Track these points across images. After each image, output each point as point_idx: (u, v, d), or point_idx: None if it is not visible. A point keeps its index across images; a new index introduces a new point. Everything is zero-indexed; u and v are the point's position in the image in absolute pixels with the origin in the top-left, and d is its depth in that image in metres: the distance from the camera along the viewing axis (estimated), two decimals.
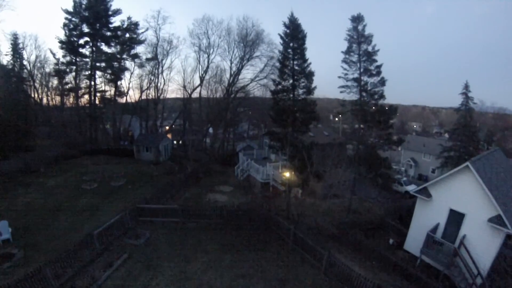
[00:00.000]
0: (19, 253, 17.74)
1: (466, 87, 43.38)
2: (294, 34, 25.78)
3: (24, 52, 53.39)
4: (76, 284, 14.84)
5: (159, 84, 60.36)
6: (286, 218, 24.15)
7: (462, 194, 19.70)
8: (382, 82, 26.73)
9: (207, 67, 57.72)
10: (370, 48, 26.94)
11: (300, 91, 26.52)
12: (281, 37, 26.41)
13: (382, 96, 26.99)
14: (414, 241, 21.87)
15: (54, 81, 63.05)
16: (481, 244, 18.50)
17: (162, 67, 59.40)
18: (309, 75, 26.05)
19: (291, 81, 26.04)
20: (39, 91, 62.39)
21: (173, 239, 20.33)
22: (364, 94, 27.34)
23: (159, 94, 61.01)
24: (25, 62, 54.07)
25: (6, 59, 51.11)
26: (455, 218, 20.07)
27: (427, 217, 21.59)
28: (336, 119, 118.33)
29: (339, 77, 27.91)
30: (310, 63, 26.20)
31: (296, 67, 26.05)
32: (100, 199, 27.32)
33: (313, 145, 27.03)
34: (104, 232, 18.82)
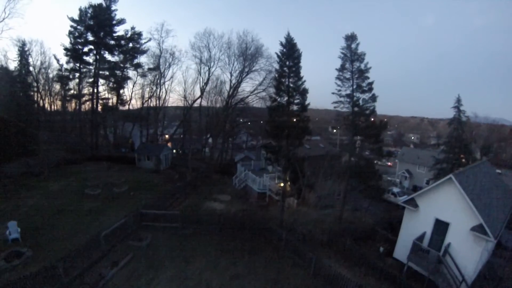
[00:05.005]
0: (28, 252, 18.69)
1: (458, 101, 44.54)
2: (290, 53, 26.84)
3: (30, 57, 54.65)
4: (85, 280, 15.97)
5: (160, 94, 61.86)
6: (280, 226, 25.23)
7: (446, 205, 20.85)
8: (373, 98, 27.87)
9: (208, 79, 59.27)
10: (362, 66, 27.91)
11: (295, 107, 27.48)
12: (278, 56, 27.46)
13: (373, 111, 28.14)
14: (402, 249, 22.79)
15: (57, 87, 64.24)
16: (464, 251, 19.50)
17: (164, 78, 60.96)
18: (303, 93, 27.07)
19: (286, 98, 26.95)
20: (43, 95, 63.63)
21: (173, 243, 21.54)
22: (356, 109, 28.48)
23: (160, 104, 62.32)
24: (31, 68, 55.30)
25: (14, 65, 52.48)
26: (440, 227, 21.18)
27: (414, 226, 22.67)
28: (334, 130, 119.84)
29: (333, 93, 29.00)
30: (304, 81, 27.21)
31: (291, 85, 27.01)
32: (103, 204, 28.39)
33: (305, 158, 28.10)
34: (110, 234, 20.01)
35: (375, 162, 29.91)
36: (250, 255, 20.55)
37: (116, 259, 18.48)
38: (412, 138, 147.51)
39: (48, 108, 67.46)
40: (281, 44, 27.21)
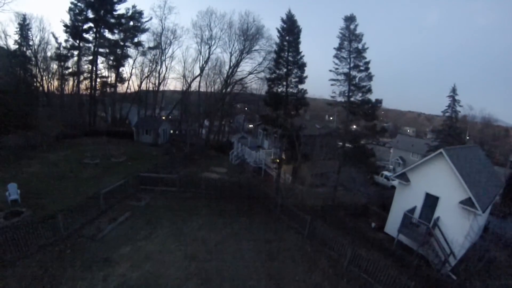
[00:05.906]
0: (27, 211, 19.11)
1: (454, 90, 45.55)
2: (290, 29, 27.73)
3: (29, 32, 53.98)
4: (83, 232, 16.52)
5: (160, 72, 61.40)
6: (275, 193, 26.04)
7: (436, 179, 21.52)
8: (370, 77, 28.46)
9: (208, 58, 58.82)
10: (360, 46, 28.44)
11: (293, 79, 28.47)
12: (278, 31, 28.37)
13: (369, 90, 28.68)
14: (393, 224, 23.43)
15: (54, 66, 63.66)
16: (453, 225, 20.16)
17: (165, 56, 60.69)
18: (302, 66, 28.12)
19: (285, 70, 27.98)
20: (41, 72, 63.18)
21: (171, 204, 22.16)
22: (352, 87, 29.03)
23: (160, 81, 62.10)
24: (30, 42, 54.71)
25: (12, 40, 51.82)
26: (430, 201, 21.88)
27: (405, 201, 23.31)
28: (331, 118, 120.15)
29: (330, 70, 29.55)
30: (303, 56, 28.24)
31: (290, 58, 28.01)
32: (102, 171, 28.94)
33: (302, 127, 28.82)
34: (109, 195, 20.56)
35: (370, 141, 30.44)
36: (246, 217, 21.23)
37: (114, 216, 19.08)
38: (408, 131, 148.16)
39: (46, 88, 67.16)
40: (282, 20, 28.08)
